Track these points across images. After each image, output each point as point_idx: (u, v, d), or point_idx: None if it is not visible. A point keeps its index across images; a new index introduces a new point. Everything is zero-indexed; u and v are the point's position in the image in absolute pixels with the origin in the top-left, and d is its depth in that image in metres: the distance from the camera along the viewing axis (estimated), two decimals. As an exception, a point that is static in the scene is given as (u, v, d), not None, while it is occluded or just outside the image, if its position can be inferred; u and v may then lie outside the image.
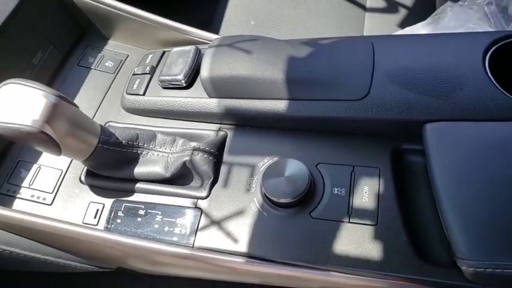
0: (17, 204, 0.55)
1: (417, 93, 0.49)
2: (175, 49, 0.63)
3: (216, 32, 1.01)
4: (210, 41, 0.68)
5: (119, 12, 0.68)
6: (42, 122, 0.44)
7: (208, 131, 0.59)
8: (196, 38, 0.68)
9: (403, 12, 1.06)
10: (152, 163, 0.55)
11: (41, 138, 0.45)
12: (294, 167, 0.48)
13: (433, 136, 0.47)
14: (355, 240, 0.46)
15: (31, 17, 0.61)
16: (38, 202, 0.55)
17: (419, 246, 0.46)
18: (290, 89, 0.54)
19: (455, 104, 0.48)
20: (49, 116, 0.45)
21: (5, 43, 0.57)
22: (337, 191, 0.49)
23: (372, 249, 0.46)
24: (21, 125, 0.44)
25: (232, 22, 1.00)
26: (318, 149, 0.53)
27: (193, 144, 0.54)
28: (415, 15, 1.05)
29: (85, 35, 0.72)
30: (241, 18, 1.01)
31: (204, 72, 0.56)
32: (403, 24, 1.03)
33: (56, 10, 0.67)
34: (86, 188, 0.56)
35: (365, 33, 1.02)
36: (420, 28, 0.91)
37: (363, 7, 1.06)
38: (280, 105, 0.54)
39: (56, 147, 0.47)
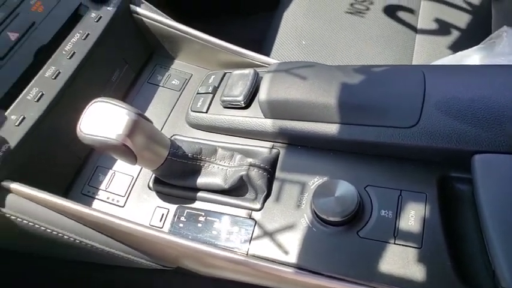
0: (95, 204, 0.63)
1: (467, 123, 0.52)
2: (236, 72, 0.69)
3: (269, 48, 1.07)
4: (267, 63, 0.73)
5: (184, 34, 0.75)
6: (124, 136, 0.51)
7: (263, 148, 0.64)
8: (254, 61, 0.74)
9: (455, 35, 1.06)
10: (213, 175, 0.61)
11: (122, 150, 0.52)
12: (344, 188, 0.52)
13: (481, 167, 0.49)
14: (400, 260, 0.49)
15: (113, 40, 0.70)
16: (112, 204, 0.63)
17: (462, 271, 0.48)
18: (342, 113, 0.58)
19: (505, 137, 0.50)
20: (130, 131, 0.52)
21: (92, 63, 0.66)
22: (385, 213, 0.52)
23: (416, 271, 0.48)
24: (107, 138, 0.51)
25: (284, 41, 1.06)
26: (367, 171, 0.56)
27: (250, 160, 0.60)
28: (468, 38, 1.05)
29: (154, 54, 0.80)
30: (293, 38, 1.06)
31: (262, 95, 0.62)
32: (455, 48, 1.03)
33: (132, 33, 0.75)
34: (153, 193, 0.63)
35: (415, 56, 1.03)
36: (473, 53, 0.92)
37: (414, 29, 1.08)
38: (331, 128, 0.58)
39: (133, 157, 0.54)
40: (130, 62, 0.75)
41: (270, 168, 0.60)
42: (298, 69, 0.63)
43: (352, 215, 0.51)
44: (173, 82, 0.76)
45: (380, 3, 1.11)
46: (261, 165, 0.59)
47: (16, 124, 0.56)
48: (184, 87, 0.75)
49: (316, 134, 0.59)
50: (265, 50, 1.06)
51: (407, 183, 0.54)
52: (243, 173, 0.58)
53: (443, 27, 1.09)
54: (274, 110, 0.62)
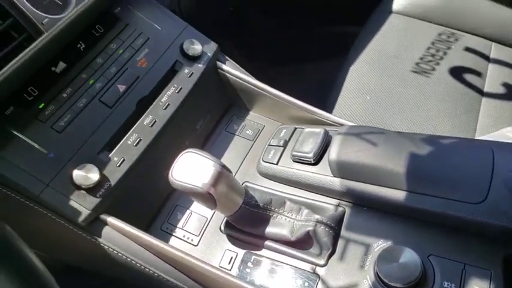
0: (172, 240, 0.70)
1: (536, 205, 0.53)
2: (307, 129, 0.75)
3: (334, 99, 1.12)
4: (335, 122, 0.79)
5: (259, 90, 0.82)
6: (210, 185, 0.58)
7: (329, 204, 0.68)
8: (322, 119, 0.80)
9: (524, 101, 1.06)
10: (280, 226, 0.66)
11: (206, 197, 0.59)
12: (408, 255, 0.55)
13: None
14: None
15: (200, 93, 0.79)
16: (187, 242, 0.69)
17: None
18: (410, 181, 0.61)
19: None
20: (214, 181, 0.58)
21: (182, 113, 0.74)
22: (447, 285, 0.54)
23: None
24: (195, 186, 0.58)
25: (349, 94, 1.11)
26: (431, 240, 0.59)
27: (317, 216, 0.64)
28: (538, 106, 1.04)
29: (232, 105, 0.88)
30: (357, 92, 1.10)
31: (333, 154, 0.67)
32: (523, 114, 1.02)
33: (216, 86, 0.84)
34: (224, 236, 0.69)
35: (480, 119, 1.04)
36: (543, 123, 0.91)
37: (480, 92, 1.09)
38: (398, 195, 0.62)
39: (213, 204, 0.60)
40: (212, 112, 0.84)
41: (336, 226, 0.64)
42: (368, 135, 0.67)
43: (415, 283, 0.54)
44: (247, 132, 0.83)
45: (446, 64, 1.14)
46: (328, 222, 0.63)
47: (117, 165, 0.65)
48: (257, 138, 0.82)
49: (383, 199, 0.63)
50: (331, 101, 1.12)
51: (472, 258, 0.55)
52: (310, 228, 0.62)
53: (511, 92, 1.08)
54: (343, 170, 0.66)
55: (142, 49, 0.75)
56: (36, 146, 0.62)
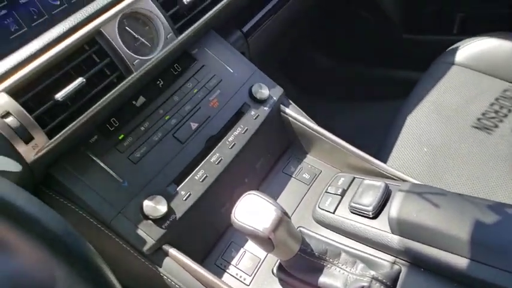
0: (225, 277, 0.72)
1: None
2: (367, 181, 0.75)
3: (390, 148, 1.11)
4: (395, 176, 0.79)
5: (318, 134, 0.84)
6: (270, 231, 0.59)
7: (385, 261, 0.67)
8: (381, 170, 0.80)
9: None
10: (334, 277, 0.66)
11: (264, 240, 0.60)
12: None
13: None
14: None
15: (263, 134, 0.82)
16: (240, 280, 0.71)
17: None
18: (473, 249, 0.59)
19: None
20: (275, 226, 0.60)
21: (245, 153, 0.78)
22: None
23: None
24: (256, 229, 0.60)
25: (405, 144, 1.10)
26: (493, 315, 0.56)
27: (373, 273, 0.64)
28: None
29: (291, 147, 0.90)
30: (414, 143, 1.09)
31: (393, 212, 0.67)
32: None
33: (277, 128, 0.87)
34: (276, 280, 0.70)
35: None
36: None
37: (547, 153, 1.05)
38: (459, 261, 0.60)
39: (271, 248, 0.62)
40: (271, 152, 0.86)
41: (391, 285, 0.63)
42: (430, 195, 0.67)
43: None
44: (304, 175, 0.85)
45: (510, 122, 1.11)
46: (384, 280, 0.62)
47: (184, 199, 0.69)
48: (313, 182, 0.84)
49: (443, 263, 0.61)
50: (386, 147, 1.11)
51: None
52: (365, 284, 0.62)
53: None
54: (403, 228, 0.66)
55: (215, 90, 0.80)
56: (113, 174, 0.66)
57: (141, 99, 0.74)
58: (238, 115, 0.80)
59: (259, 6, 1.03)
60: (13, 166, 0.44)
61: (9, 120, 0.54)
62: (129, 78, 0.66)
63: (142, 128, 0.71)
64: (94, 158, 0.66)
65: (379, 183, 0.74)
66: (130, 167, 0.68)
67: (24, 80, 0.57)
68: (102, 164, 0.66)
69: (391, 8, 1.48)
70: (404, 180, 0.78)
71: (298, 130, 0.87)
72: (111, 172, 0.66)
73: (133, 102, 0.73)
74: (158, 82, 0.76)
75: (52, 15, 0.80)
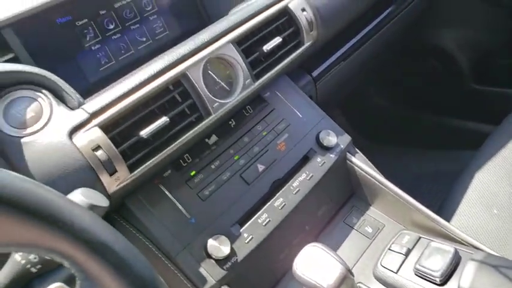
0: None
1: None
2: (435, 244, 0.72)
3: (454, 205, 1.06)
4: (465, 241, 0.74)
5: (382, 186, 0.82)
6: None
7: (451, 333, 0.63)
8: (448, 232, 0.76)
9: None
10: None
11: (326, 297, 0.59)
12: None
13: None
14: None
15: (327, 181, 0.81)
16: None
17: None
18: None
19: None
20: (339, 284, 0.58)
21: (309, 200, 0.77)
22: None
23: None
24: (319, 284, 0.58)
25: (473, 203, 1.04)
26: None
27: None
28: None
29: (353, 196, 0.89)
30: (482, 203, 1.03)
31: (465, 283, 0.63)
32: None
33: (341, 176, 0.86)
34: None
35: None
36: None
37: None
38: None
39: (331, 305, 0.60)
40: (334, 200, 0.85)
41: None
42: (508, 270, 0.62)
43: None
44: (366, 228, 0.82)
45: None
46: None
47: (246, 241, 0.69)
48: (375, 237, 0.81)
49: None
50: (451, 203, 1.05)
51: None
52: None
53: None
54: (474, 302, 0.62)
55: (283, 133, 0.81)
56: (182, 209, 0.69)
57: (214, 138, 0.76)
58: (304, 160, 0.81)
59: (329, 51, 1.05)
60: (103, 201, 0.47)
61: (99, 153, 0.58)
62: (208, 119, 0.69)
63: (212, 166, 0.74)
64: (166, 192, 0.69)
65: (449, 248, 0.70)
66: (199, 204, 0.70)
67: (115, 117, 0.61)
68: (173, 199, 0.69)
69: (463, 58, 1.44)
70: (476, 248, 0.73)
71: (363, 179, 0.85)
72: (180, 207, 0.69)
73: (206, 140, 0.76)
74: (230, 122, 0.79)
75: (138, 50, 0.87)
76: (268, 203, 0.74)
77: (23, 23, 0.71)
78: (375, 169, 0.87)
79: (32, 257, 0.48)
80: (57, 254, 0.35)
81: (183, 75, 0.68)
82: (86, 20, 0.79)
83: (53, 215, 0.35)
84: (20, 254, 0.47)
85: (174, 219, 0.68)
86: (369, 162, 0.88)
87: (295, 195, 0.76)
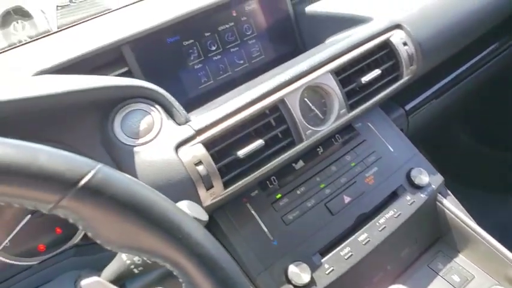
0: None
1: None
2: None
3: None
4: None
5: (474, 233, 0.76)
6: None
7: None
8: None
9: None
10: None
11: None
12: None
13: None
14: None
15: (414, 221, 0.78)
16: None
17: None
18: None
19: None
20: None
21: (393, 238, 0.75)
22: None
23: None
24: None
25: None
26: None
27: None
28: None
29: (440, 240, 0.84)
30: None
31: None
32: None
33: (430, 217, 0.82)
34: None
35: None
36: None
37: None
38: None
39: None
40: (419, 242, 0.81)
41: None
42: None
43: None
44: (453, 277, 0.77)
45: None
46: None
47: (326, 272, 0.68)
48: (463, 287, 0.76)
49: None
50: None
51: None
52: None
53: None
54: None
55: (373, 167, 0.79)
56: (266, 231, 0.70)
57: (301, 163, 0.77)
58: (392, 197, 0.78)
59: (425, 84, 1.01)
60: (204, 216, 0.50)
61: (200, 168, 0.62)
62: (300, 146, 0.71)
63: (298, 192, 0.74)
64: (252, 212, 0.71)
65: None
66: (282, 228, 0.71)
67: (217, 135, 0.65)
68: (258, 219, 0.70)
69: None
70: None
71: (453, 224, 0.80)
72: (264, 228, 0.70)
73: (293, 164, 0.77)
74: (318, 149, 0.79)
75: (235, 71, 0.92)
76: (352, 237, 0.72)
77: (138, 41, 0.78)
78: (467, 214, 0.81)
79: (136, 258, 0.52)
80: (170, 263, 0.38)
81: (281, 101, 0.70)
82: (192, 40, 0.85)
83: (176, 228, 0.38)
84: (127, 254, 0.52)
85: (258, 239, 0.69)
86: (460, 205, 0.83)
87: (380, 232, 0.73)
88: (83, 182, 0.34)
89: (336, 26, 0.88)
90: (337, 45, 0.77)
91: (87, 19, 1.01)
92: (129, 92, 0.65)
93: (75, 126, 0.65)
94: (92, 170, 0.35)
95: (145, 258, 0.40)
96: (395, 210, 0.76)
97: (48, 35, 1.00)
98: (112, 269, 0.53)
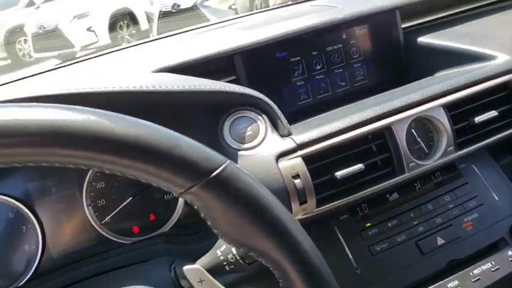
0: None
1: None
2: None
3: None
4: None
5: None
6: None
7: None
8: None
9: None
10: None
11: None
12: None
13: None
14: None
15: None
16: None
17: None
18: None
19: None
20: None
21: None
22: None
23: None
24: None
25: None
26: None
27: None
28: None
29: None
30: None
31: None
32: None
33: None
34: None
35: None
36: None
37: None
38: None
39: None
40: None
41: None
42: None
43: None
44: None
45: None
46: None
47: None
48: None
49: None
50: None
51: None
52: None
53: None
54: None
55: (473, 212, 0.74)
56: (351, 257, 0.68)
57: (395, 195, 0.75)
58: (491, 248, 0.72)
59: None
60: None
61: (297, 181, 0.63)
62: (400, 177, 0.68)
63: (389, 224, 0.72)
64: (339, 235, 0.70)
65: None
66: (368, 257, 0.69)
67: (318, 152, 0.65)
68: (344, 244, 0.69)
69: None
70: None
71: None
72: (349, 254, 0.68)
73: (387, 195, 0.75)
74: (416, 184, 0.76)
75: (335, 92, 0.92)
76: (442, 281, 0.68)
77: (249, 52, 0.82)
78: None
79: (230, 256, 0.54)
80: (275, 265, 0.40)
81: (388, 128, 0.68)
82: (299, 57, 0.87)
83: (288, 235, 0.39)
84: (222, 250, 0.54)
85: (341, 264, 0.68)
86: None
87: (473, 283, 0.68)
88: (214, 173, 0.36)
89: (450, 60, 0.85)
90: (452, 80, 0.73)
91: (192, 28, 1.09)
92: (242, 99, 0.68)
93: (187, 123, 0.69)
94: (223, 163, 0.37)
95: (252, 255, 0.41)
96: (493, 263, 0.70)
97: (158, 38, 1.09)
98: (205, 261, 0.55)
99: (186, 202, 0.77)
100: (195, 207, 0.38)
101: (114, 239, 0.71)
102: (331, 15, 0.87)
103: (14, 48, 5.46)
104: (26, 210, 0.68)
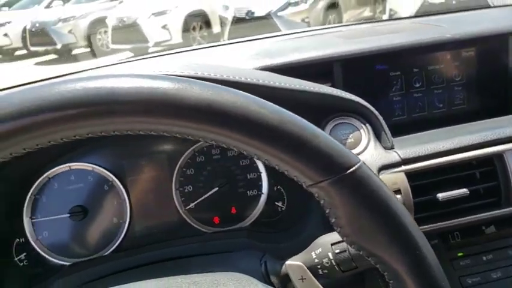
0: None
1: None
2: None
3: None
4: None
5: None
6: None
7: None
8: None
9: None
10: None
11: None
12: None
13: None
14: None
15: None
16: None
17: None
18: None
19: None
20: None
21: None
22: None
23: None
24: None
25: None
26: None
27: None
28: None
29: None
30: None
31: None
32: None
33: None
34: None
35: None
36: None
37: None
38: None
39: None
40: None
41: None
42: None
43: None
44: None
45: None
46: None
47: None
48: None
49: None
50: None
51: None
52: None
53: None
54: None
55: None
56: (440, 284, 0.64)
57: (492, 228, 0.69)
58: None
59: None
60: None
61: (398, 197, 0.60)
62: (504, 210, 0.64)
63: (484, 258, 0.67)
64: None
65: None
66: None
67: (422, 170, 0.63)
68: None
69: None
70: None
71: None
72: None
73: (483, 227, 0.70)
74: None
75: (431, 113, 0.88)
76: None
77: (349, 61, 0.81)
78: None
79: (325, 260, 0.52)
80: (394, 276, 0.38)
81: (499, 156, 0.64)
82: (399, 72, 0.84)
83: (414, 245, 0.37)
84: (317, 253, 0.53)
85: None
86: None
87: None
88: (348, 171, 0.36)
89: None
90: None
91: (265, 36, 1.08)
92: (347, 105, 0.67)
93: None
94: (357, 163, 0.36)
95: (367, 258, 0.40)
96: None
97: (231, 43, 1.09)
98: (297, 258, 0.54)
99: (267, 201, 0.78)
100: (321, 202, 0.38)
101: (196, 226, 0.72)
102: (439, 33, 0.84)
103: (94, 38, 5.87)
104: (120, 185, 0.71)
